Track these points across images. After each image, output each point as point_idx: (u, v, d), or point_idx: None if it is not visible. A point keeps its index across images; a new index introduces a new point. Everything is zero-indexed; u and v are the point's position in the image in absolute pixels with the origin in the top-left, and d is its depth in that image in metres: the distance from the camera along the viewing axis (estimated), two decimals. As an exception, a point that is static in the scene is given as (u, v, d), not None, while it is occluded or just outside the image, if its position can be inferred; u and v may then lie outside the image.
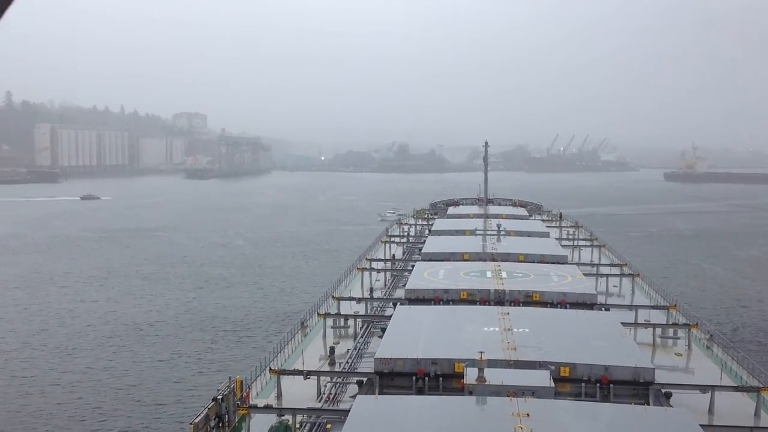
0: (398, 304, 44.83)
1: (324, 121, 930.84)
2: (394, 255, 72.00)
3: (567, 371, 30.37)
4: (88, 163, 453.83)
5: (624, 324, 39.12)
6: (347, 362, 37.01)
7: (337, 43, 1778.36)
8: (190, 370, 66.40)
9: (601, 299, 47.65)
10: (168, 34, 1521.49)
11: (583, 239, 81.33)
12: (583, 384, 30.28)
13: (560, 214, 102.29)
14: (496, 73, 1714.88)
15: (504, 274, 50.48)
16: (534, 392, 27.15)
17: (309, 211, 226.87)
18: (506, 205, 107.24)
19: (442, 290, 45.75)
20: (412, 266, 56.83)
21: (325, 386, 33.20)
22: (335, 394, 32.79)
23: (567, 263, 58.58)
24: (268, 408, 29.89)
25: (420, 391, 30.63)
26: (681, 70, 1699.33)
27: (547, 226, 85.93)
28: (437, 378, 30.92)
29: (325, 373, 34.68)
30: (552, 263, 56.96)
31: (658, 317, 45.24)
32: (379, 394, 30.53)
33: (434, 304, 44.18)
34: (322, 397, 32.20)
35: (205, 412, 27.34)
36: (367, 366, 35.00)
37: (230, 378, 29.72)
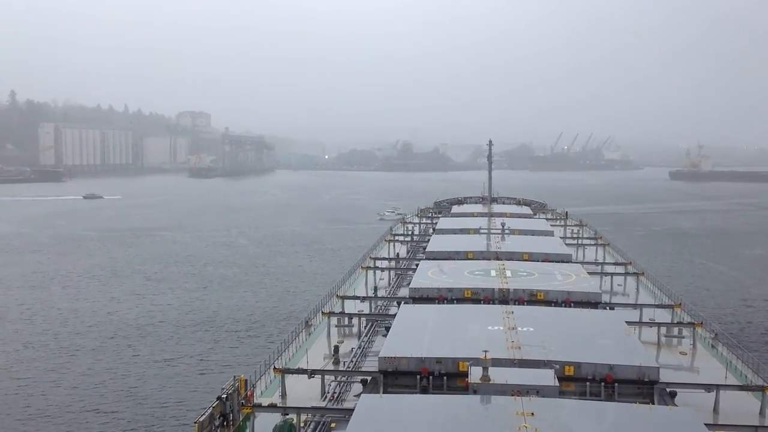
0: (402, 303, 44.99)
1: (328, 120, 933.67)
2: (398, 254, 72.06)
3: (572, 370, 30.34)
4: (92, 162, 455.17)
5: (628, 323, 39.12)
6: (351, 361, 37.02)
7: (340, 44, 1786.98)
8: (193, 370, 66.44)
9: (605, 298, 47.68)
10: (173, 34, 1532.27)
11: (587, 238, 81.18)
12: (587, 383, 30.24)
13: (566, 212, 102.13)
14: (500, 73, 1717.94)
15: (508, 273, 50.44)
16: (538, 391, 27.15)
17: (313, 210, 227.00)
18: (510, 203, 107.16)
19: (446, 289, 45.72)
20: (416, 265, 56.88)
21: (330, 385, 33.20)
22: (339, 393, 32.79)
23: (571, 262, 58.53)
24: (272, 407, 29.91)
25: (424, 390, 30.61)
26: (685, 68, 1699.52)
27: (552, 225, 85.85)
28: (441, 377, 30.90)
29: (329, 372, 34.66)
30: (556, 262, 56.95)
31: (663, 316, 45.19)
32: (383, 393, 30.52)
33: (438, 303, 44.19)
34: (326, 396, 32.20)
35: (209, 411, 27.34)
36: (371, 365, 34.99)
37: (234, 377, 29.69)
